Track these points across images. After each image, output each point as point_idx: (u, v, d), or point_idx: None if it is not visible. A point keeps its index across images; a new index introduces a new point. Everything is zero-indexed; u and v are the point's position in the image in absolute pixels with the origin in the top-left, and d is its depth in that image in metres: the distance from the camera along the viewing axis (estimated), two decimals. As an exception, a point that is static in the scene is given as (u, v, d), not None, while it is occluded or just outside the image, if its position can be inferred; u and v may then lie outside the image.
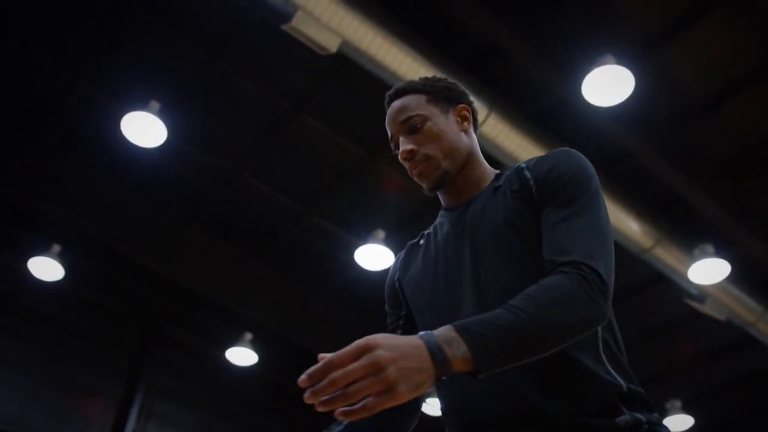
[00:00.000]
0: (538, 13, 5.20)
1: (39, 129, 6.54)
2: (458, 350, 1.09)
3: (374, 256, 7.06)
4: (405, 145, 1.59)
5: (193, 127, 6.40)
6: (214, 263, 7.68)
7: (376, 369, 1.01)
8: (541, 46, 5.21)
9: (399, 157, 1.62)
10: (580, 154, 1.51)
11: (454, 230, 1.56)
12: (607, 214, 1.43)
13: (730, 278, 6.62)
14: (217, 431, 8.69)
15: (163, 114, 5.86)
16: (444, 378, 1.09)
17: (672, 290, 6.98)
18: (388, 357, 1.02)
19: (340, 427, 1.52)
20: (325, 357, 1.04)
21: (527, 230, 1.42)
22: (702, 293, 6.79)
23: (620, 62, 5.04)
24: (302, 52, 5.15)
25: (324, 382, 1.01)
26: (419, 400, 1.58)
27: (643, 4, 5.29)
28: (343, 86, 5.97)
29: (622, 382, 1.34)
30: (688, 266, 6.46)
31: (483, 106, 5.27)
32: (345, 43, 4.94)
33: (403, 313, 1.65)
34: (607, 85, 5.10)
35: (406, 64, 5.02)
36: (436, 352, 1.07)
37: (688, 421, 8.51)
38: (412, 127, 1.60)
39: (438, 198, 1.69)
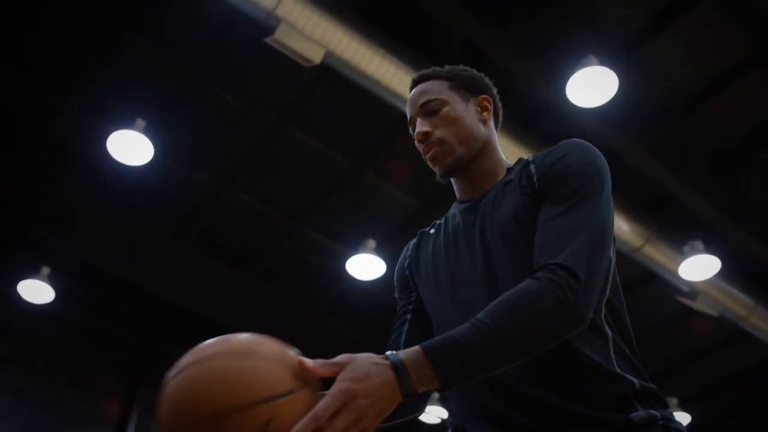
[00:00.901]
0: (520, 18, 5.22)
1: (26, 151, 6.50)
2: (424, 377, 1.15)
3: (366, 266, 7.04)
4: (421, 126, 1.60)
5: (179, 143, 6.37)
6: (207, 279, 7.64)
7: (358, 419, 1.09)
8: (524, 50, 5.23)
9: (414, 139, 1.63)
10: (590, 145, 1.49)
11: (465, 223, 1.55)
12: (609, 209, 1.39)
13: (721, 274, 6.63)
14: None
15: (148, 131, 5.84)
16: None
17: (664, 288, 6.99)
18: (366, 404, 1.09)
19: None
20: (305, 362, 1.12)
21: (533, 225, 1.40)
22: (694, 290, 6.80)
23: (603, 62, 5.06)
24: (287, 64, 5.14)
25: None
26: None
27: (623, 4, 5.32)
28: (329, 98, 5.97)
29: (634, 379, 1.34)
30: (679, 263, 6.48)
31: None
32: (329, 54, 4.94)
33: (413, 298, 1.64)
34: (592, 86, 5.12)
35: (390, 73, 5.02)
36: (404, 384, 1.14)
37: (685, 418, 8.50)
38: (431, 110, 1.61)
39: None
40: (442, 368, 1.15)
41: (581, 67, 5.04)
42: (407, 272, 1.67)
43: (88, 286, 7.71)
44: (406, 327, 1.60)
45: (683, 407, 8.46)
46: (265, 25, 4.83)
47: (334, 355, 1.14)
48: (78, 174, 6.63)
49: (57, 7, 5.44)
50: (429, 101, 1.62)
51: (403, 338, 1.58)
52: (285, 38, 4.82)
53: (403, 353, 1.16)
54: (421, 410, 1.51)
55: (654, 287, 7.14)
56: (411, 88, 1.69)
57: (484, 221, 1.51)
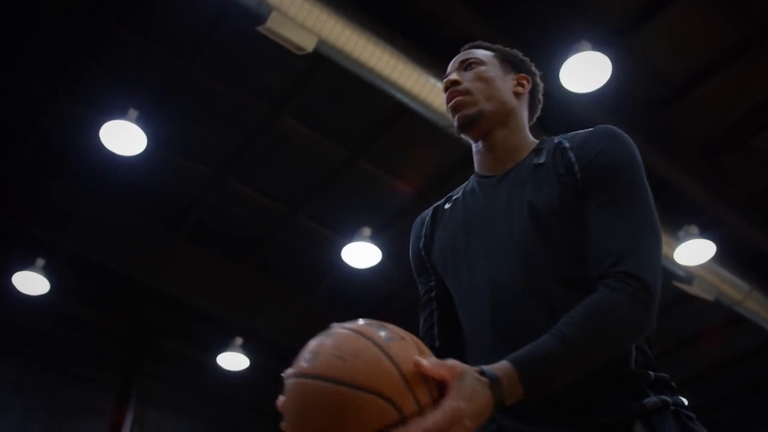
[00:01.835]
0: (512, 3, 5.22)
1: (19, 144, 6.48)
2: (513, 394, 1.16)
3: (361, 254, 7.07)
4: (452, 75, 1.62)
5: (173, 133, 6.36)
6: (202, 270, 7.65)
7: None
8: (517, 35, 5.22)
9: (443, 87, 1.63)
10: (625, 134, 1.47)
11: (489, 201, 1.52)
12: (654, 207, 1.40)
13: (716, 258, 6.67)
14: (213, 438, 8.67)
15: (141, 122, 5.83)
16: None
17: (659, 273, 7.02)
18: (470, 425, 1.09)
19: None
20: (422, 363, 1.09)
21: (570, 219, 1.39)
22: (689, 274, 6.84)
23: (596, 48, 5.06)
24: (279, 53, 5.13)
25: None
26: None
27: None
28: (323, 86, 5.96)
29: (649, 371, 1.37)
30: (674, 248, 6.50)
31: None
32: (321, 42, 4.93)
33: (433, 282, 1.62)
34: (585, 72, 5.13)
35: (384, 60, 5.02)
36: (497, 402, 1.15)
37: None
38: (467, 66, 1.64)
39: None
40: (531, 386, 1.17)
41: (574, 53, 5.05)
42: (422, 252, 1.64)
43: (83, 278, 7.71)
44: (436, 317, 1.60)
45: (680, 392, 8.51)
46: (257, 14, 4.82)
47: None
48: (71, 165, 6.62)
49: (46, 0, 5.43)
50: (468, 59, 1.65)
51: (436, 330, 1.58)
52: (277, 26, 4.81)
53: (499, 371, 1.16)
54: None
55: (649, 272, 7.16)
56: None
57: (512, 201, 1.47)
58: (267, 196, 7.04)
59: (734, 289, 7.01)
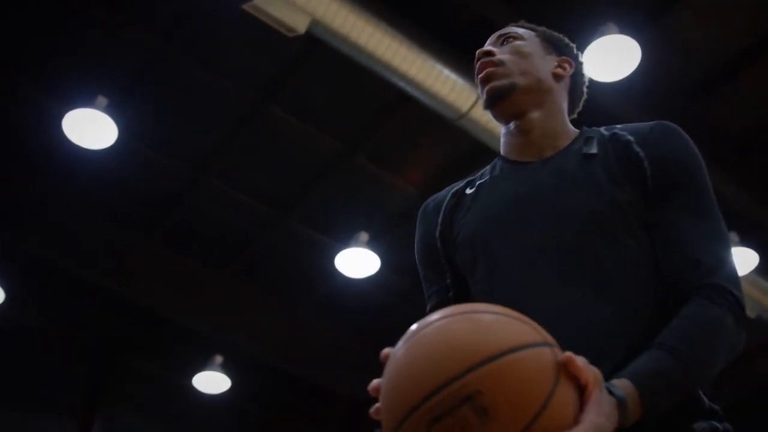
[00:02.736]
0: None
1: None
2: (633, 415, 1.18)
3: (357, 262, 7.07)
4: (487, 47, 1.65)
5: (147, 124, 6.38)
6: (177, 278, 7.66)
7: None
8: (535, 17, 5.24)
9: (475, 58, 1.65)
10: (683, 131, 1.56)
11: (527, 190, 1.52)
12: None
13: (759, 270, 6.66)
14: (188, 469, 8.67)
15: (111, 110, 5.84)
16: None
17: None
18: None
19: None
20: (572, 358, 1.09)
21: (636, 220, 1.43)
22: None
23: (624, 31, 5.07)
24: (268, 35, 5.15)
25: None
26: None
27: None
28: (316, 72, 5.98)
29: (704, 398, 1.40)
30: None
31: (473, 87, 5.29)
32: (315, 23, 4.94)
33: (449, 280, 1.61)
34: (611, 58, 5.14)
35: (384, 44, 5.03)
36: (620, 422, 1.15)
37: None
38: (504, 40, 1.67)
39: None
40: (651, 408, 1.21)
41: (599, 36, 5.06)
42: (438, 243, 1.62)
43: (42, 287, 7.70)
44: None
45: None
46: (243, -10, 4.84)
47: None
48: (31, 160, 6.63)
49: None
50: (507, 34, 1.68)
51: None
52: (266, 5, 4.82)
53: (624, 391, 1.17)
54: None
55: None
56: None
57: (560, 191, 1.48)
58: (252, 195, 7.06)
59: (780, 306, 7.01)
